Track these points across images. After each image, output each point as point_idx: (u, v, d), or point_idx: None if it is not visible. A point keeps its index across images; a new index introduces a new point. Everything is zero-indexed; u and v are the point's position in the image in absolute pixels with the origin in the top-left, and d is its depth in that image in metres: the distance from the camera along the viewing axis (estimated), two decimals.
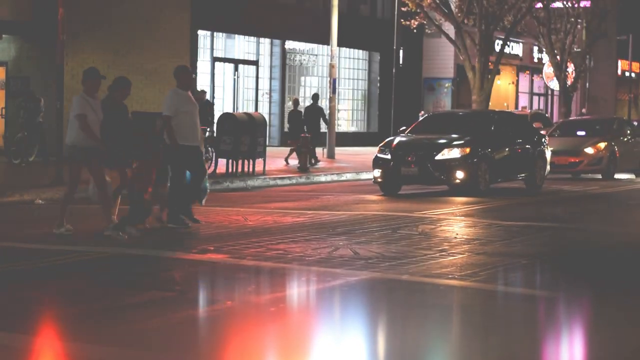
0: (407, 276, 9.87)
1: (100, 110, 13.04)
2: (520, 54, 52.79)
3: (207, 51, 36.16)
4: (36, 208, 16.93)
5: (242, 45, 38.12)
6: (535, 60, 53.76)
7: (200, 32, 35.12)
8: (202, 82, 35.41)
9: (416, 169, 19.38)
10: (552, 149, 24.78)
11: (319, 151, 29.47)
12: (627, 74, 62.05)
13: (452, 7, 35.59)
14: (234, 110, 34.71)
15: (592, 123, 28.85)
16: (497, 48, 37.83)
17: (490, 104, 35.01)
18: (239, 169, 23.33)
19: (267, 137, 25.47)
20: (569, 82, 41.47)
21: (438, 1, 34.53)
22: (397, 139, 20.41)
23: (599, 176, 26.15)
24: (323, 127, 30.60)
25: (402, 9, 36.94)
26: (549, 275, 10.68)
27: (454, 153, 19.42)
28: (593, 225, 15.12)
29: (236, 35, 37.56)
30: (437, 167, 19.29)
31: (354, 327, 8.14)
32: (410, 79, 45.35)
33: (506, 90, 52.08)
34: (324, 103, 35.98)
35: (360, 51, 44.13)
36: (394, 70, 40.25)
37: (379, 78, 44.68)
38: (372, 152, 20.60)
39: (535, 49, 52.40)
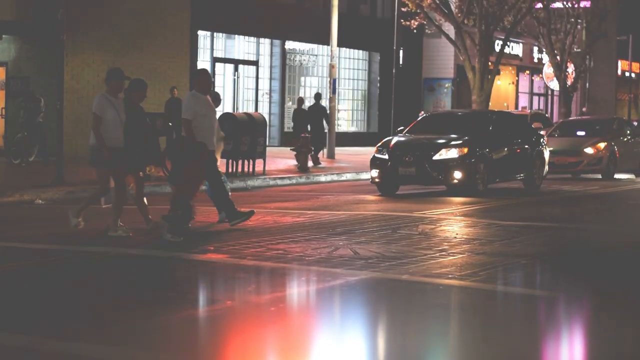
0: (407, 276, 9.87)
1: (123, 110, 12.86)
2: (520, 54, 52.80)
3: (207, 51, 36.16)
4: (36, 208, 16.93)
5: (242, 46, 38.12)
6: (535, 60, 53.77)
7: (200, 32, 35.13)
8: None
9: (414, 169, 19.35)
10: (552, 149, 24.79)
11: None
12: (627, 74, 62.04)
13: (452, 7, 35.60)
14: (234, 111, 34.70)
15: (592, 123, 28.85)
16: (497, 48, 37.84)
17: (490, 104, 35.01)
18: (239, 169, 23.34)
19: (267, 137, 25.48)
20: (569, 83, 41.48)
21: (438, 1, 34.53)
22: (395, 139, 20.39)
23: (599, 176, 26.15)
24: (326, 127, 30.64)
25: (402, 9, 36.95)
26: (549, 275, 10.68)
27: (452, 153, 19.40)
28: (593, 225, 15.12)
29: (236, 36, 37.56)
30: (434, 167, 19.27)
31: (354, 327, 8.14)
32: (410, 79, 45.36)
33: (506, 91, 52.09)
34: (324, 103, 35.97)
35: (360, 51, 44.14)
36: (394, 71, 40.26)
37: (379, 78, 44.68)
38: (372, 152, 20.60)
39: (535, 49, 52.40)
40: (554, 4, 40.65)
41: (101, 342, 7.22)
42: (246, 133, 23.09)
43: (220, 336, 7.72)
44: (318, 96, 29.89)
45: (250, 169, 23.54)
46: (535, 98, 56.38)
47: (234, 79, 37.41)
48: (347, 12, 40.06)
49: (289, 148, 29.31)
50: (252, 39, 38.29)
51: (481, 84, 33.84)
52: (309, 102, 33.11)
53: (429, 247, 11.86)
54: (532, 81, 54.86)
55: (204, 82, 13.69)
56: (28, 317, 8.14)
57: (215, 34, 36.36)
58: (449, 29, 36.43)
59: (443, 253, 11.44)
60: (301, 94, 40.00)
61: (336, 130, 33.70)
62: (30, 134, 25.56)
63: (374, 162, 19.97)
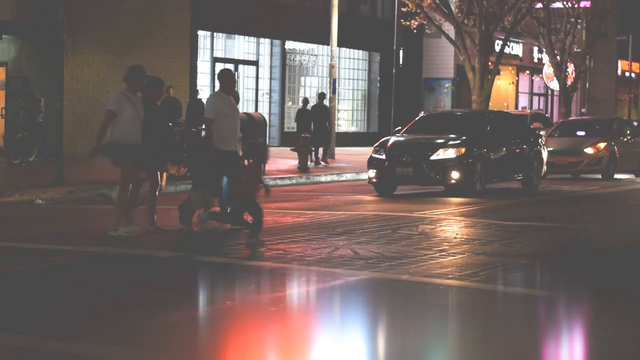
0: (407, 276, 9.87)
1: (142, 108, 12.78)
2: (520, 54, 52.79)
3: (207, 51, 36.15)
4: (36, 208, 16.93)
5: (242, 46, 38.12)
6: (535, 60, 53.76)
7: (200, 32, 35.13)
8: (202, 82, 35.42)
9: (411, 169, 19.31)
10: (551, 149, 24.80)
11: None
12: (627, 74, 62.04)
13: (452, 7, 35.59)
14: None
15: (591, 123, 28.86)
16: (497, 48, 37.83)
17: (490, 104, 35.01)
18: None
19: (267, 137, 25.46)
20: (569, 83, 41.48)
21: (438, 1, 34.53)
22: (392, 139, 20.37)
23: (599, 176, 26.15)
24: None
25: (402, 9, 36.94)
26: (549, 275, 10.68)
27: (449, 153, 19.37)
28: (593, 225, 15.12)
29: (236, 36, 37.56)
30: (432, 168, 19.24)
31: (354, 327, 8.14)
32: (410, 79, 45.35)
33: (506, 91, 52.08)
34: (326, 103, 35.96)
35: (360, 51, 44.13)
36: (394, 71, 40.25)
37: (379, 78, 44.68)
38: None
39: (535, 49, 52.40)
40: (554, 4, 40.64)
41: (101, 342, 7.22)
42: (246, 133, 23.06)
43: (220, 336, 7.72)
44: (322, 96, 29.92)
45: None
46: (535, 98, 56.38)
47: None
48: (347, 12, 40.06)
49: (289, 148, 29.31)
50: (252, 39, 38.29)
51: (481, 84, 33.84)
52: (312, 102, 33.08)
53: (429, 247, 11.86)
54: (532, 81, 54.86)
55: (228, 82, 13.61)
56: (28, 317, 8.13)
57: (215, 34, 36.35)
58: (449, 29, 36.43)
59: (443, 253, 11.44)
60: (301, 94, 40.00)
61: (336, 130, 33.70)
62: (30, 134, 25.56)
63: (371, 163, 19.95)
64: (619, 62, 62.44)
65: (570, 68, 41.67)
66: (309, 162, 26.82)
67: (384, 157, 19.65)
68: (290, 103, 40.28)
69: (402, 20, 37.82)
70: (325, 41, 34.34)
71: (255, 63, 38.40)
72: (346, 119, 44.27)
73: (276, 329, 7.93)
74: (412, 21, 36.49)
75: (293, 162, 27.21)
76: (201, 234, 13.18)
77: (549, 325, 8.19)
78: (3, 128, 29.02)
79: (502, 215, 15.91)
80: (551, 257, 11.57)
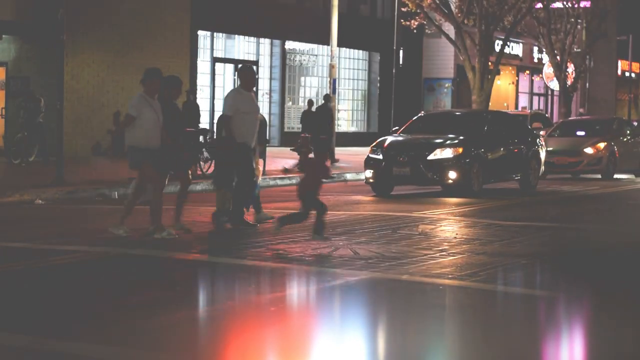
0: (407, 276, 9.87)
1: (161, 111, 12.59)
2: (520, 54, 52.78)
3: (207, 51, 36.15)
4: (36, 208, 16.93)
5: (242, 46, 38.12)
6: (535, 60, 53.75)
7: (200, 32, 35.12)
8: (202, 83, 35.42)
9: (408, 169, 19.27)
10: (551, 149, 24.81)
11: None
12: (627, 74, 62.03)
13: (452, 7, 35.58)
14: None
15: (591, 123, 28.87)
16: (497, 48, 37.82)
17: (490, 104, 35.00)
18: None
19: (267, 137, 25.45)
20: (569, 83, 41.46)
21: (438, 1, 34.51)
22: (389, 139, 20.34)
23: (599, 176, 26.15)
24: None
25: (402, 9, 36.93)
26: (549, 275, 10.68)
27: (447, 153, 19.34)
28: (593, 225, 15.12)
29: (236, 36, 37.55)
30: (429, 168, 19.21)
31: (354, 327, 8.14)
32: (410, 79, 45.34)
33: (506, 91, 52.07)
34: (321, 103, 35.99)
35: (360, 51, 44.13)
36: (394, 71, 40.24)
37: (379, 78, 44.67)
38: None
39: (535, 49, 52.39)
40: (554, 4, 40.62)
41: (101, 342, 7.21)
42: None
43: (220, 336, 7.72)
44: (327, 97, 30.00)
45: None
46: (535, 98, 56.37)
47: (234, 79, 37.38)
48: (347, 12, 40.05)
49: (289, 148, 29.32)
50: (252, 39, 38.29)
51: (481, 84, 33.82)
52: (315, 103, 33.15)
53: (429, 247, 11.86)
54: (532, 81, 54.85)
55: (249, 79, 13.52)
56: (28, 317, 8.13)
57: (215, 34, 36.35)
58: (449, 29, 36.41)
59: (443, 253, 11.44)
60: (301, 94, 40.02)
61: (336, 130, 33.67)
62: (30, 134, 25.56)
63: (368, 163, 19.93)
64: (619, 62, 62.43)
65: (570, 68, 41.66)
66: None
67: (380, 157, 19.63)
68: (290, 103, 40.29)
69: (402, 20, 37.80)
70: (325, 41, 34.32)
71: (255, 63, 38.39)
72: (346, 119, 44.27)
73: (276, 329, 7.93)
74: (412, 21, 36.48)
75: (293, 162, 27.16)
76: (202, 234, 13.18)
77: (549, 325, 8.19)
78: (3, 128, 29.03)
79: (502, 215, 15.91)
80: (551, 257, 11.57)
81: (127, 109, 13.18)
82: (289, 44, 39.75)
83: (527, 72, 54.33)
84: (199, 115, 26.77)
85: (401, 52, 41.57)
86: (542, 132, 27.62)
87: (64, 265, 10.75)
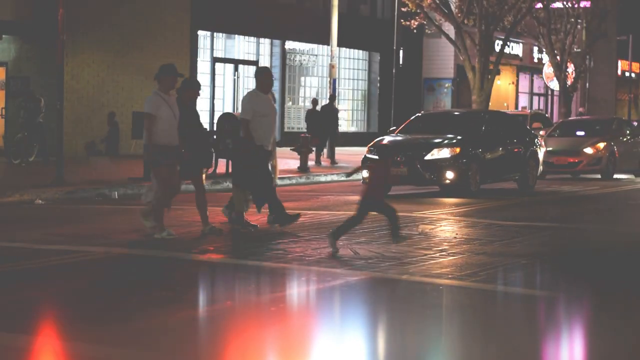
0: (407, 276, 9.87)
1: (177, 107, 12.48)
2: (520, 54, 52.79)
3: (207, 51, 36.16)
4: (36, 208, 16.93)
5: (242, 46, 38.12)
6: (535, 60, 53.76)
7: (200, 32, 35.13)
8: (202, 83, 35.28)
9: (405, 169, 19.24)
10: (551, 149, 24.81)
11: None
12: (627, 74, 62.04)
13: (452, 7, 35.59)
14: (234, 111, 34.69)
15: (591, 123, 28.86)
16: (497, 48, 37.83)
17: (490, 104, 35.00)
18: None
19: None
20: (569, 83, 41.47)
21: (438, 1, 34.52)
22: (387, 139, 20.31)
23: (599, 176, 26.15)
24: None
25: (402, 9, 36.93)
26: (549, 275, 10.68)
27: (444, 153, 19.31)
28: (593, 225, 15.12)
29: (236, 36, 37.56)
30: (426, 168, 19.18)
31: (354, 327, 8.14)
32: (410, 79, 45.35)
33: (506, 91, 52.08)
34: (324, 103, 35.98)
35: (360, 51, 44.14)
36: (394, 71, 40.25)
37: (379, 78, 44.68)
38: None
39: (535, 49, 52.39)
40: (554, 4, 40.63)
41: (101, 342, 7.22)
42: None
43: (220, 336, 7.72)
44: (332, 98, 30.07)
45: None
46: (535, 98, 56.37)
47: (234, 79, 37.41)
48: (347, 12, 40.06)
49: (289, 148, 29.32)
50: (252, 39, 38.30)
51: (481, 84, 33.83)
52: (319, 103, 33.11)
53: (429, 247, 11.87)
54: (532, 81, 54.85)
55: (266, 80, 13.43)
56: (28, 317, 8.13)
57: (215, 34, 36.36)
58: (449, 29, 36.42)
59: (443, 253, 11.44)
60: (301, 94, 40.03)
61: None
62: (30, 134, 25.56)
63: (365, 163, 19.90)
64: (619, 62, 62.43)
65: (570, 68, 41.67)
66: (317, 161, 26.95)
67: (377, 157, 19.60)
68: (291, 103, 40.29)
69: (402, 20, 37.81)
70: (325, 41, 34.35)
71: (255, 63, 38.38)
72: (346, 119, 44.27)
73: (276, 329, 7.93)
74: (412, 21, 36.48)
75: (293, 162, 27.19)
76: (201, 234, 13.17)
77: (549, 325, 8.19)
78: (3, 128, 29.05)
79: (501, 215, 15.91)
80: (551, 257, 11.57)
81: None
82: (289, 44, 39.75)
83: (527, 72, 54.35)
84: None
85: (401, 52, 41.58)
86: (542, 132, 27.64)
87: (63, 265, 10.75)
